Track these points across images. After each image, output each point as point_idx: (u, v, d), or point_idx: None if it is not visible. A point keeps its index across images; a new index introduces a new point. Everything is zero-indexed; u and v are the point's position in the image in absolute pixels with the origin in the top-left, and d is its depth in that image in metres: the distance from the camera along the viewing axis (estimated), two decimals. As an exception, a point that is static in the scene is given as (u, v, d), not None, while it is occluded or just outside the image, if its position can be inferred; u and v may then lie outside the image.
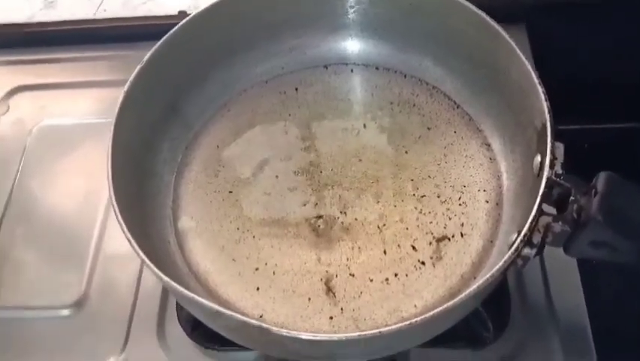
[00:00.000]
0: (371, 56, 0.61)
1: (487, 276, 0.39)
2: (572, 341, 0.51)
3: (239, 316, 0.39)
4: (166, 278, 0.41)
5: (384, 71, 0.61)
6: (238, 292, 0.50)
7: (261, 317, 0.49)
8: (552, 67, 0.57)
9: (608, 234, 0.41)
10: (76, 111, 0.69)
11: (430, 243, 0.52)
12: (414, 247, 0.51)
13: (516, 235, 0.43)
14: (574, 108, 0.62)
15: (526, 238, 0.41)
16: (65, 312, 0.55)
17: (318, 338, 0.39)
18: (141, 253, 0.42)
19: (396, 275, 0.50)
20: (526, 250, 0.42)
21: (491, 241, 0.51)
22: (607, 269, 0.50)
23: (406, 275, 0.50)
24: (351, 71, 0.62)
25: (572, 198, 0.42)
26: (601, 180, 0.42)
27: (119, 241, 0.58)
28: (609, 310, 0.56)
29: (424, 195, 0.54)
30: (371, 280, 0.50)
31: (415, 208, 0.53)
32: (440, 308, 0.38)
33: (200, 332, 0.53)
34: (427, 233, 0.52)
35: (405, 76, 0.61)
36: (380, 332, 0.38)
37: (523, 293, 0.53)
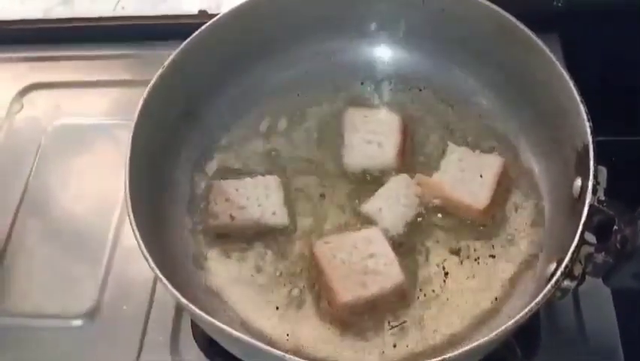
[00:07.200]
0: (399, 63, 0.59)
1: (526, 310, 0.37)
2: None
3: (262, 345, 0.37)
4: (185, 301, 0.39)
5: (412, 80, 0.58)
6: (257, 310, 0.48)
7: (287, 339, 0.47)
8: (583, 76, 0.55)
9: (654, 267, 0.39)
10: (91, 111, 0.67)
11: (462, 262, 0.49)
12: (443, 267, 0.49)
13: (555, 266, 0.41)
14: (605, 119, 0.59)
15: (567, 270, 0.39)
16: (77, 322, 0.53)
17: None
18: (159, 274, 0.40)
19: (425, 295, 0.48)
20: (567, 283, 0.39)
21: (522, 264, 0.49)
22: (640, 293, 0.48)
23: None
24: (379, 78, 0.59)
25: (615, 227, 0.40)
26: (648, 209, 0.39)
27: (132, 246, 0.56)
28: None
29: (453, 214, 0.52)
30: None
31: (443, 227, 0.51)
32: (475, 343, 0.37)
33: (216, 349, 0.51)
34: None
35: (435, 86, 0.58)
36: None
37: (553, 319, 0.51)
